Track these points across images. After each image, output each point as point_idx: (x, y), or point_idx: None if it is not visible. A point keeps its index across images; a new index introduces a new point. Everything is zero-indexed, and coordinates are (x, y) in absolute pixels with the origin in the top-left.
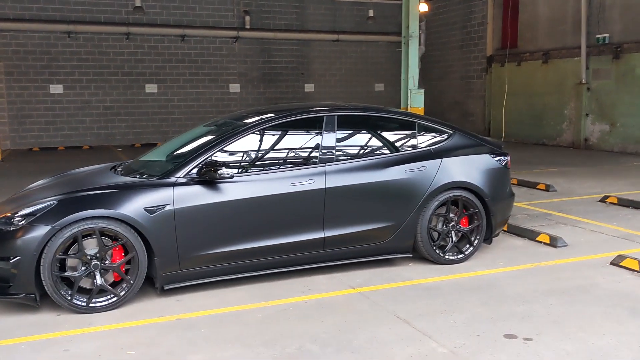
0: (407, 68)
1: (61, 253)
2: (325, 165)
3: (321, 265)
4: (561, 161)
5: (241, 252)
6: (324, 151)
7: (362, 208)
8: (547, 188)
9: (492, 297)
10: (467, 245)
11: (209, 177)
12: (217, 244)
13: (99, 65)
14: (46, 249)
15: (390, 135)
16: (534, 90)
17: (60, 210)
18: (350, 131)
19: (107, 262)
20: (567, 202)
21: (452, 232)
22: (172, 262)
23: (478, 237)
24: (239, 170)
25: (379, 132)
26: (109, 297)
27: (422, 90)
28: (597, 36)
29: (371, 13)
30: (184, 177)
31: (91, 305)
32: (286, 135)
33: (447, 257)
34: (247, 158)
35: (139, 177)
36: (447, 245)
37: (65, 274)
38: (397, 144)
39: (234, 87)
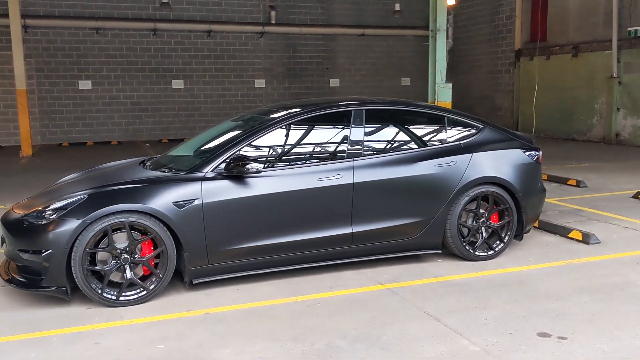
0: (435, 62)
1: (92, 247)
2: (353, 160)
3: (349, 260)
4: (592, 156)
5: (269, 247)
6: (352, 146)
7: (390, 203)
8: (578, 184)
9: (524, 294)
10: (498, 242)
11: (237, 172)
12: (244, 238)
13: (126, 61)
14: (77, 243)
15: (419, 130)
16: (564, 85)
17: (90, 204)
18: (379, 125)
19: (136, 256)
20: (599, 198)
21: (482, 228)
22: (201, 256)
23: (509, 234)
24: (267, 165)
25: (407, 126)
26: (138, 290)
27: (450, 85)
28: (629, 29)
29: (397, 7)
30: (212, 171)
31: (121, 298)
32: (313, 130)
33: (477, 253)
34: (275, 153)
35: (167, 172)
36: (477, 242)
37: (96, 267)
38: (426, 139)
39: (260, 83)
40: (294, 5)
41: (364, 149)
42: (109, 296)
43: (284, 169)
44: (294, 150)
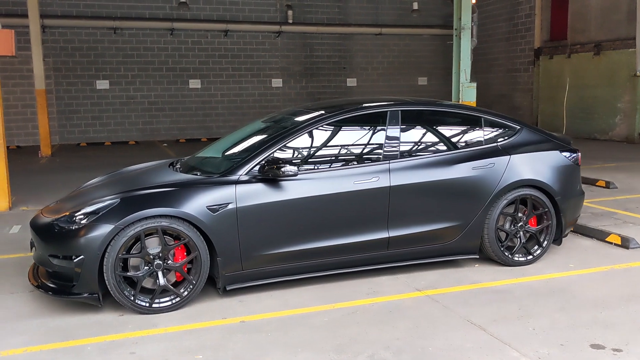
0: (459, 61)
1: (124, 252)
2: (389, 162)
3: (384, 266)
4: (617, 156)
5: (303, 252)
6: (387, 148)
7: (427, 207)
8: (607, 185)
9: (569, 302)
10: (536, 246)
11: (272, 175)
12: (279, 243)
13: (143, 61)
14: (109, 248)
15: (455, 131)
16: (585, 83)
17: (123, 209)
18: (415, 127)
19: (169, 261)
20: (630, 199)
21: (521, 232)
22: (235, 261)
23: (547, 238)
24: (301, 168)
25: (443, 127)
26: (171, 297)
27: (474, 84)
28: None
29: (415, 6)
30: (246, 174)
31: (154, 305)
32: (348, 131)
33: (515, 258)
34: (309, 155)
35: (199, 175)
36: (514, 246)
37: (128, 273)
38: (462, 140)
39: (277, 82)
40: (310, 4)
41: (400, 150)
42: (142, 303)
43: (319, 171)
44: (329, 153)
